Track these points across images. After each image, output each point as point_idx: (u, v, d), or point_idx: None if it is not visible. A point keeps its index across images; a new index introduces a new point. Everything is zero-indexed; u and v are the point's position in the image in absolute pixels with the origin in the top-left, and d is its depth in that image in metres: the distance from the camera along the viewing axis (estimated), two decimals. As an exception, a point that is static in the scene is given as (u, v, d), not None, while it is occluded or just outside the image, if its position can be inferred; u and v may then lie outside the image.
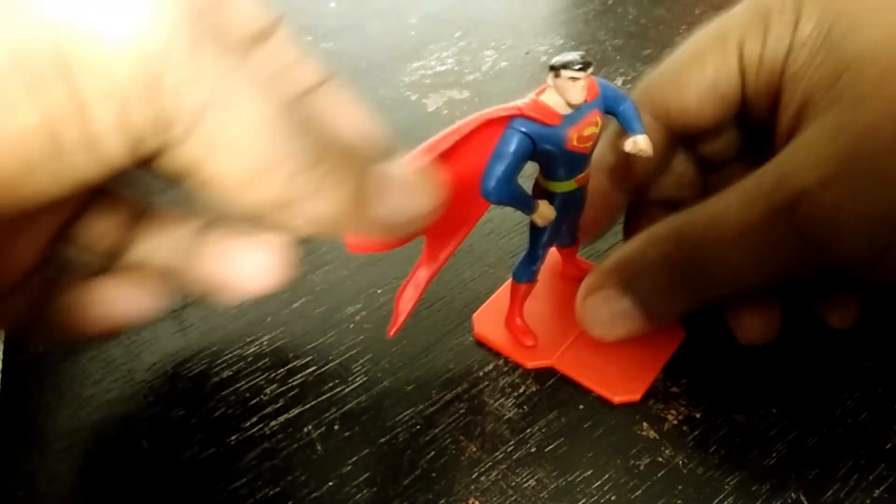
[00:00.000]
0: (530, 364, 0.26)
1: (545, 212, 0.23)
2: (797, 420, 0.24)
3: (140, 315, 0.20)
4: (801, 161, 0.21)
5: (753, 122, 0.26)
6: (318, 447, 0.24)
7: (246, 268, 0.19)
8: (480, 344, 0.27)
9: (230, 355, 0.26)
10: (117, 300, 0.19)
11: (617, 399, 0.25)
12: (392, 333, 0.24)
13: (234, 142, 0.14)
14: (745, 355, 0.26)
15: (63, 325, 0.19)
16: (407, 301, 0.24)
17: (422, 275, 0.24)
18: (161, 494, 0.23)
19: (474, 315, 0.27)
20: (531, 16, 0.47)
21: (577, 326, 0.26)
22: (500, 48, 0.44)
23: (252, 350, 0.27)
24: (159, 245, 0.20)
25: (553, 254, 0.28)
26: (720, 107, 0.26)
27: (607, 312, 0.24)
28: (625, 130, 0.23)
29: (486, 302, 0.28)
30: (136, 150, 0.14)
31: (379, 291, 0.29)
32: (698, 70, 0.25)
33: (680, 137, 0.27)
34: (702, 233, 0.22)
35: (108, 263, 0.20)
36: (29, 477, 0.23)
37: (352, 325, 0.28)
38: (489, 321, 0.27)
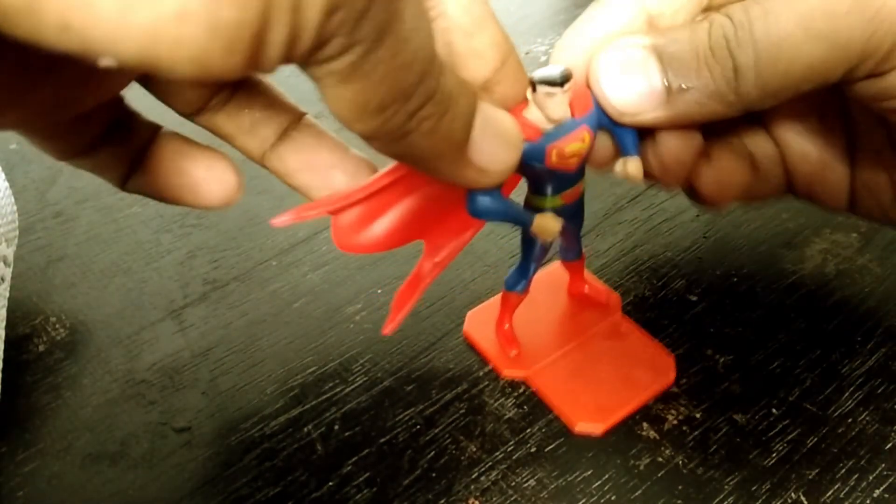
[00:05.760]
0: (506, 373, 0.25)
1: (548, 225, 0.22)
2: (797, 420, 0.24)
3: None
4: None
5: None
6: (318, 447, 0.24)
7: (199, 178, 0.19)
8: (466, 342, 0.27)
9: (230, 355, 0.27)
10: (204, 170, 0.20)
11: (577, 428, 0.24)
12: (387, 332, 0.23)
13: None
14: (746, 356, 0.26)
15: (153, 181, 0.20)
16: (404, 300, 0.23)
17: (421, 275, 0.23)
18: (160, 495, 0.23)
19: (469, 312, 0.27)
20: (531, 16, 0.47)
21: (565, 345, 0.25)
22: (500, 48, 0.44)
23: (252, 350, 0.27)
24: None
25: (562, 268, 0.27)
26: None
27: (623, 65, 0.19)
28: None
29: (485, 302, 0.28)
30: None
31: (379, 291, 0.29)
32: None
33: None
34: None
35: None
36: (29, 477, 0.23)
37: (352, 325, 0.28)
38: (480, 322, 0.27)
